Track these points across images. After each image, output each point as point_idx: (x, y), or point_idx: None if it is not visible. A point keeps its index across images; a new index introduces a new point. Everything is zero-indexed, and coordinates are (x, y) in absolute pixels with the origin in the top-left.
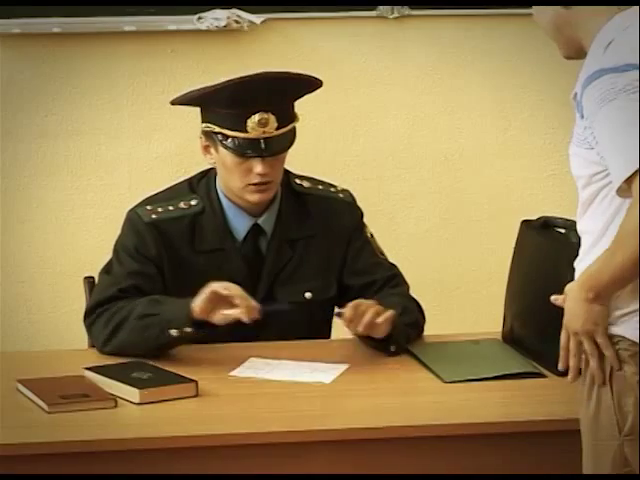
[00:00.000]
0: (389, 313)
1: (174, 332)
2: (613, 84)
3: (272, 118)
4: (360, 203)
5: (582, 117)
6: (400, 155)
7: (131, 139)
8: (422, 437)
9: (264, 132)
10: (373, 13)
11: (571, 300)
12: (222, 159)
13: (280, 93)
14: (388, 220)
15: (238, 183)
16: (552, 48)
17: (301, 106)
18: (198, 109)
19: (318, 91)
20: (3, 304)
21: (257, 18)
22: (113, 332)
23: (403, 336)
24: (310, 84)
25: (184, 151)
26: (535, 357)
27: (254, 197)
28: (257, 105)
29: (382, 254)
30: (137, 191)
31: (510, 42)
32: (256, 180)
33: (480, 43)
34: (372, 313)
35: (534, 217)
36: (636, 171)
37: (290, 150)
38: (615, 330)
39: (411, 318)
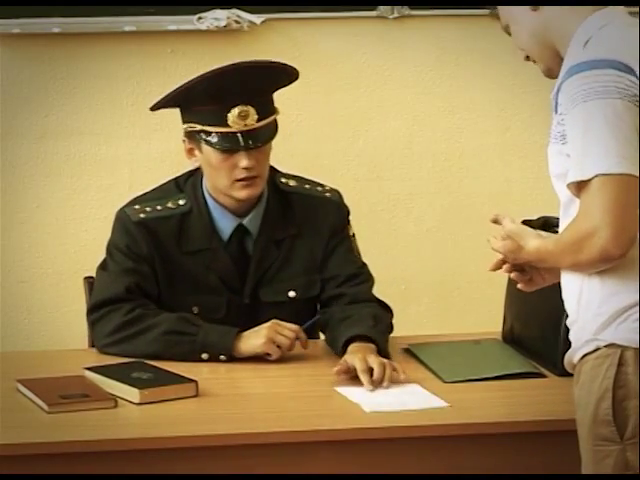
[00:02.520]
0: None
1: (205, 356)
2: (590, 83)
3: (252, 110)
4: (360, 203)
5: (556, 112)
6: (400, 155)
7: (131, 139)
8: (422, 437)
9: (245, 125)
10: (373, 13)
11: (518, 250)
12: (207, 158)
13: (255, 83)
14: (388, 220)
15: (225, 180)
16: None
17: (301, 106)
18: None
19: (318, 91)
20: (3, 304)
21: (257, 18)
22: (128, 338)
23: (383, 342)
24: (284, 72)
25: (184, 151)
26: (535, 357)
27: (242, 193)
28: (235, 98)
29: (358, 254)
30: (137, 191)
31: (510, 42)
32: (242, 175)
33: (480, 43)
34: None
35: (534, 217)
36: (589, 179)
37: (290, 150)
38: (608, 336)
39: (385, 323)
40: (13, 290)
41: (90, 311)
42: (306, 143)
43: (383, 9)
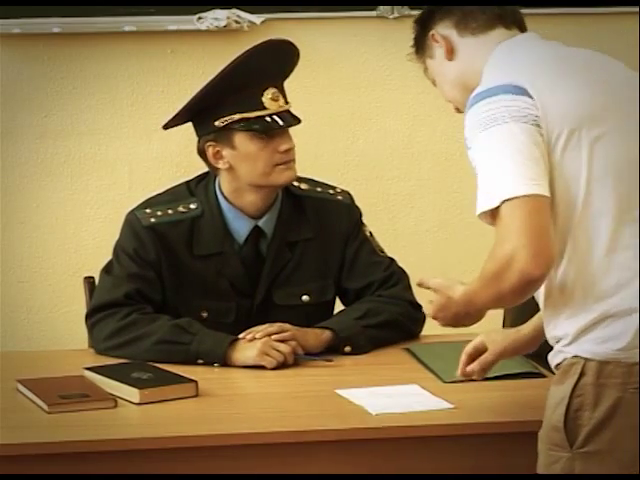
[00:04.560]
0: (286, 334)
1: (200, 361)
2: (484, 112)
3: (279, 93)
4: (360, 203)
5: (468, 148)
6: (400, 155)
7: (131, 139)
8: (422, 437)
9: (279, 106)
10: (373, 13)
11: (449, 303)
12: (243, 151)
13: (279, 63)
14: (388, 220)
15: (265, 167)
16: None
17: (301, 106)
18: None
19: (318, 91)
20: (3, 304)
21: (257, 18)
22: (122, 345)
23: (363, 337)
24: (295, 52)
25: (184, 151)
26: (535, 357)
27: (282, 177)
28: (266, 79)
29: (382, 252)
30: (137, 191)
31: None
32: (283, 159)
33: None
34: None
35: None
36: (498, 206)
37: None
38: (572, 350)
39: (378, 319)
40: (13, 290)
41: (88, 315)
42: (306, 143)
43: (383, 9)
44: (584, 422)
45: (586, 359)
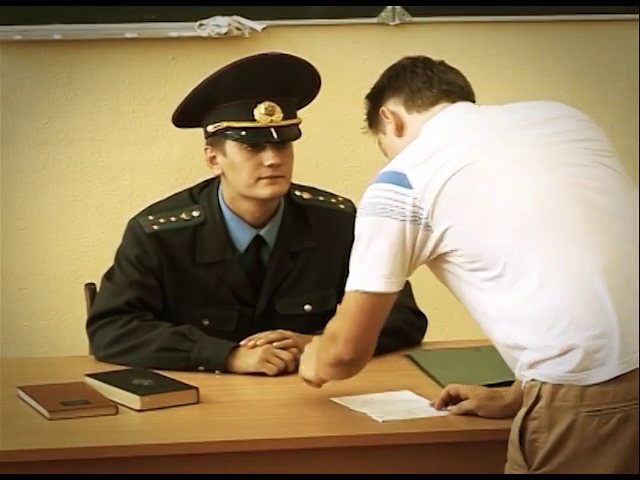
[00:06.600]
0: (287, 342)
1: (201, 368)
2: (366, 199)
3: (278, 108)
4: None
5: None
6: None
7: (132, 146)
8: (422, 444)
9: (272, 121)
10: (374, 20)
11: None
12: (231, 159)
13: (281, 78)
14: None
15: (248, 179)
16: (552, 54)
17: (302, 113)
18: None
19: (319, 97)
20: (4, 311)
21: (258, 25)
22: (123, 352)
23: None
24: (307, 70)
25: (185, 157)
26: None
27: (265, 191)
28: (262, 92)
29: None
30: (138, 198)
31: (511, 49)
32: (267, 173)
33: (481, 50)
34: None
35: None
36: (353, 292)
37: None
38: (529, 374)
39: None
40: (14, 297)
41: (89, 322)
42: (307, 150)
43: (384, 16)
44: (541, 444)
45: (542, 382)
